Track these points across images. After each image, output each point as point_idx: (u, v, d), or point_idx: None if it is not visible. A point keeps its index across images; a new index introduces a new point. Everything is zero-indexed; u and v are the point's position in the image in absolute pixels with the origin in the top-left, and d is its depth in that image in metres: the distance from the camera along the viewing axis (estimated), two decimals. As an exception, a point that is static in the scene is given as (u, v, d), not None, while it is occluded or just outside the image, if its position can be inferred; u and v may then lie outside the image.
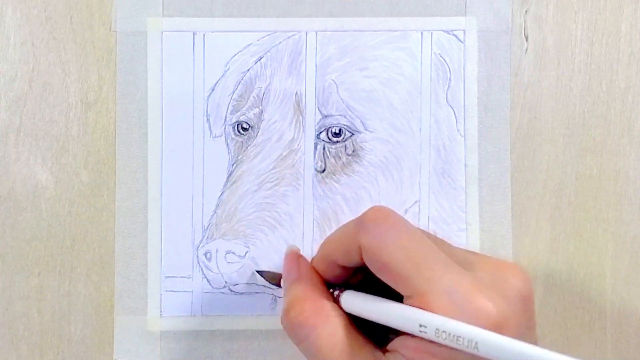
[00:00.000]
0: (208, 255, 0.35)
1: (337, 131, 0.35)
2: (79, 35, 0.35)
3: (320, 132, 0.35)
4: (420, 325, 0.25)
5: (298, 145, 0.35)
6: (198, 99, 0.35)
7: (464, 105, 0.36)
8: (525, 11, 0.36)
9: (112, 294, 0.35)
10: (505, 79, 0.36)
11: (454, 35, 0.36)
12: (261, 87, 0.35)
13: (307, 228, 0.35)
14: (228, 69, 0.35)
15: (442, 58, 0.36)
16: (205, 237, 0.35)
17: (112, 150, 0.35)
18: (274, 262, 0.35)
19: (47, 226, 0.35)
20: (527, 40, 0.36)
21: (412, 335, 0.26)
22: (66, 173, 0.35)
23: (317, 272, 0.30)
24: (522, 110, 0.36)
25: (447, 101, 0.36)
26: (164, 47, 0.35)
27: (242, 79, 0.35)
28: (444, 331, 0.24)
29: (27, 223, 0.35)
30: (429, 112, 0.36)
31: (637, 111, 0.36)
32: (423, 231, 0.30)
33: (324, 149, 0.35)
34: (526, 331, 0.26)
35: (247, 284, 0.35)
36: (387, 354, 0.27)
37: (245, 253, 0.35)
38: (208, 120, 0.35)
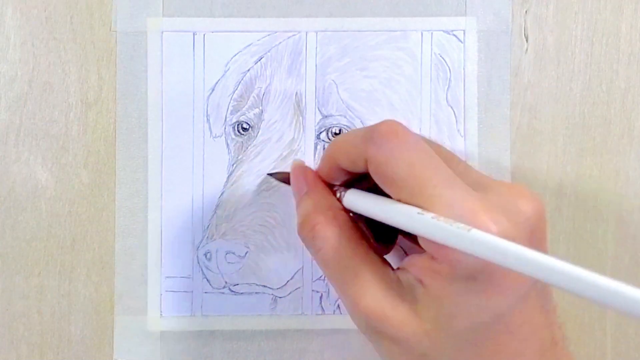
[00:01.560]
0: (208, 255, 0.35)
1: (337, 131, 0.35)
2: (79, 35, 0.35)
3: (320, 133, 0.35)
4: (418, 213, 0.25)
5: (298, 145, 0.35)
6: (198, 99, 0.35)
7: (464, 105, 0.36)
8: (525, 11, 0.36)
9: (112, 294, 0.35)
10: (505, 79, 0.36)
11: (454, 35, 0.36)
12: (261, 87, 0.35)
13: (307, 228, 0.35)
14: (228, 69, 0.35)
15: (442, 58, 0.36)
16: (205, 237, 0.35)
17: (112, 150, 0.35)
18: (274, 262, 0.35)
19: (47, 226, 0.35)
20: (527, 40, 0.36)
21: (420, 253, 0.26)
22: (66, 173, 0.35)
23: (324, 182, 0.31)
24: (522, 110, 0.36)
25: (447, 101, 0.36)
26: (164, 47, 0.35)
27: (242, 79, 0.35)
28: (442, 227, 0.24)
29: (27, 223, 0.35)
30: (429, 112, 0.36)
31: (637, 111, 0.36)
32: (438, 147, 0.29)
33: (324, 149, 0.35)
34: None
35: (247, 284, 0.35)
36: (396, 271, 0.27)
37: (245, 253, 0.35)
38: (208, 120, 0.35)
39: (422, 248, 0.26)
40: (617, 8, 0.36)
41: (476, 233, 0.23)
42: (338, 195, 0.30)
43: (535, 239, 0.25)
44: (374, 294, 0.27)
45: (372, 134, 0.27)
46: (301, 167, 0.32)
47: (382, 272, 0.27)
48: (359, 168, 0.28)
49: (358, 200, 0.28)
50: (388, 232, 0.29)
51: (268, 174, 0.35)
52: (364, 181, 0.29)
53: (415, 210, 0.25)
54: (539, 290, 0.26)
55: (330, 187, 0.30)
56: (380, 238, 0.29)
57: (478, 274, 0.24)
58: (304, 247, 0.30)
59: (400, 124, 0.27)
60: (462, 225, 0.23)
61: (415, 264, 0.26)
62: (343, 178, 0.30)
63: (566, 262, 0.21)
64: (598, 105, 0.36)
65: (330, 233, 0.28)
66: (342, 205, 0.29)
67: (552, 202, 0.36)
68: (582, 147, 0.36)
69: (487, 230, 0.23)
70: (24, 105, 0.35)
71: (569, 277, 0.21)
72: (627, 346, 0.35)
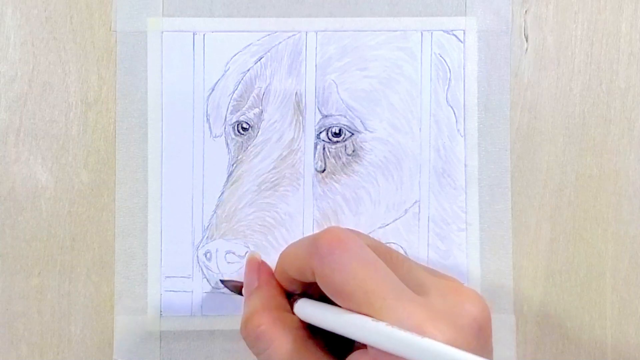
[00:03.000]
0: (208, 255, 0.35)
1: (337, 131, 0.35)
2: (79, 35, 0.35)
3: (320, 132, 0.35)
4: (372, 321, 0.25)
5: (298, 145, 0.35)
6: (198, 99, 0.35)
7: (464, 105, 0.36)
8: (525, 11, 0.36)
9: (112, 294, 0.35)
10: (505, 79, 0.36)
11: (454, 35, 0.36)
12: (261, 87, 0.35)
13: (307, 228, 0.35)
14: (228, 69, 0.35)
15: (442, 58, 0.36)
16: (205, 237, 0.35)
17: (112, 150, 0.35)
18: (274, 262, 0.35)
19: (47, 226, 0.35)
20: (527, 40, 0.36)
21: (365, 350, 0.25)
22: (66, 173, 0.35)
23: (277, 281, 0.30)
24: (522, 110, 0.36)
25: (447, 101, 0.36)
26: (164, 47, 0.35)
27: (242, 79, 0.35)
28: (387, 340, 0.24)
29: (27, 223, 0.35)
30: (429, 112, 0.36)
31: (637, 111, 0.36)
32: (383, 250, 0.29)
33: (324, 149, 0.35)
34: (483, 353, 0.25)
35: (247, 284, 0.35)
36: None
37: (245, 253, 0.35)
38: (208, 120, 0.35)
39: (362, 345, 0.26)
40: (617, 8, 0.36)
41: (427, 342, 0.23)
42: (291, 303, 0.29)
43: (482, 337, 0.26)
44: None
45: (315, 244, 0.26)
46: (256, 262, 0.32)
47: None
48: (308, 279, 0.28)
49: (308, 310, 0.28)
50: (340, 340, 0.29)
51: (220, 280, 0.35)
52: (314, 289, 0.29)
53: (367, 319, 0.25)
54: None
55: (287, 295, 0.30)
56: (331, 345, 0.29)
57: None
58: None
59: (343, 231, 0.27)
60: (414, 334, 0.24)
61: None
62: (298, 286, 0.30)
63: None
64: (598, 105, 0.36)
65: (276, 335, 0.27)
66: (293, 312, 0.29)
67: (552, 202, 0.36)
68: (582, 147, 0.36)
69: (434, 340, 0.24)
70: (24, 105, 0.35)
71: None
72: (627, 346, 0.35)
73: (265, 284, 0.30)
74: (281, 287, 0.30)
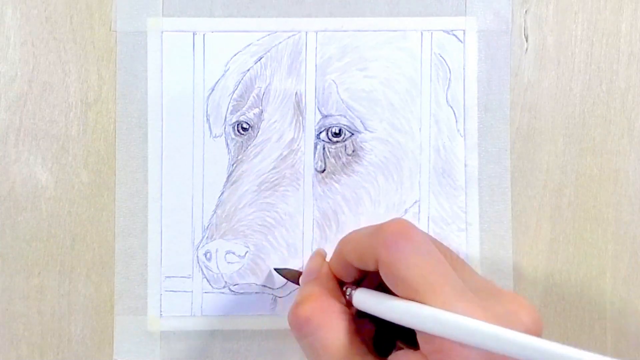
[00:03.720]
0: (208, 255, 0.35)
1: (337, 131, 0.35)
2: (79, 35, 0.35)
3: (320, 132, 0.35)
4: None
5: (298, 145, 0.35)
6: (198, 99, 0.35)
7: (464, 105, 0.36)
8: (525, 11, 0.36)
9: (112, 294, 0.35)
10: (505, 79, 0.36)
11: (454, 35, 0.36)
12: (261, 87, 0.35)
13: (307, 228, 0.35)
14: (228, 69, 0.35)
15: (442, 58, 0.36)
16: (205, 237, 0.35)
17: (112, 150, 0.35)
18: (274, 262, 0.35)
19: (47, 226, 0.35)
20: (527, 40, 0.36)
21: (413, 351, 0.26)
22: (66, 173, 0.35)
23: (334, 276, 0.30)
24: (522, 110, 0.36)
25: (447, 101, 0.36)
26: (164, 47, 0.35)
27: (242, 79, 0.35)
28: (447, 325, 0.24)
29: (27, 223, 0.35)
30: (429, 112, 0.36)
31: (637, 111, 0.36)
32: (445, 250, 0.29)
33: (324, 149, 0.35)
34: None
35: (247, 284, 0.35)
36: None
37: (245, 253, 0.35)
38: (208, 120, 0.35)
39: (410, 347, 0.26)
40: (617, 8, 0.36)
41: (497, 329, 0.24)
42: (348, 293, 0.29)
43: None
44: None
45: (382, 233, 0.27)
46: (322, 256, 0.32)
47: None
48: (369, 267, 0.28)
49: (367, 298, 0.28)
50: (388, 340, 0.29)
51: (275, 269, 0.35)
52: (374, 279, 0.29)
53: (430, 307, 0.25)
54: None
55: (340, 285, 0.30)
56: (378, 346, 0.29)
57: None
58: (297, 329, 0.29)
59: (409, 223, 0.27)
60: (480, 321, 0.24)
61: None
62: (354, 275, 0.30)
63: (571, 347, 0.23)
64: (598, 105, 0.36)
65: (325, 322, 0.28)
66: (352, 303, 0.29)
67: (552, 202, 0.36)
68: (582, 147, 0.36)
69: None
70: (24, 105, 0.35)
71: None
72: (627, 346, 0.35)
73: (324, 276, 0.30)
74: (337, 281, 0.30)
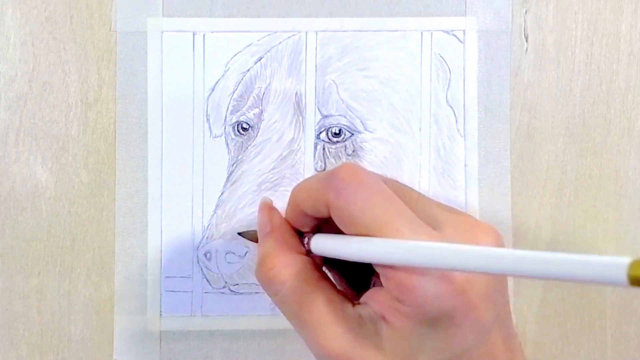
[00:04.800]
0: (208, 255, 0.35)
1: (337, 131, 0.35)
2: (79, 35, 0.35)
3: (320, 132, 0.35)
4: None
5: (298, 145, 0.35)
6: (198, 99, 0.35)
7: (464, 105, 0.36)
8: (525, 11, 0.36)
9: (112, 294, 0.35)
10: (505, 79, 0.36)
11: (454, 35, 0.36)
12: (261, 87, 0.35)
13: (307, 228, 0.35)
14: (228, 69, 0.35)
15: (442, 58, 0.36)
16: (205, 237, 0.35)
17: (112, 150, 0.35)
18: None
19: (47, 226, 0.35)
20: (527, 40, 0.36)
21: (381, 288, 0.26)
22: (66, 173, 0.35)
23: (289, 224, 0.30)
24: (522, 110, 0.36)
25: (447, 101, 0.36)
26: (164, 47, 0.35)
27: (242, 79, 0.35)
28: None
29: (27, 223, 0.35)
30: (429, 112, 0.36)
31: (637, 111, 0.36)
32: (396, 184, 0.30)
33: (324, 149, 0.35)
34: (494, 292, 0.26)
35: (247, 284, 0.35)
36: (356, 306, 0.27)
37: (245, 253, 0.35)
38: (208, 120, 0.35)
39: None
40: (617, 8, 0.36)
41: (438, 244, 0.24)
42: (305, 241, 0.30)
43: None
44: (336, 334, 0.27)
45: (331, 178, 0.27)
46: (268, 206, 0.31)
47: (342, 310, 0.27)
48: (321, 213, 0.28)
49: (324, 242, 0.28)
50: (355, 279, 0.29)
51: (238, 233, 0.35)
52: (331, 227, 0.29)
53: (377, 238, 0.25)
54: (501, 322, 0.27)
55: (299, 234, 0.30)
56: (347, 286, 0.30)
57: (442, 315, 0.25)
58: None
59: (357, 167, 0.27)
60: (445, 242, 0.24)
61: (377, 299, 0.26)
62: (310, 224, 0.30)
63: (527, 251, 0.22)
64: (598, 105, 0.36)
65: (289, 274, 0.28)
66: (309, 250, 0.29)
67: (552, 202, 0.36)
68: (582, 147, 0.36)
69: (448, 274, 0.25)
70: (24, 105, 0.35)
71: (535, 263, 0.22)
72: (627, 346, 0.35)
73: (278, 227, 0.30)
74: (293, 229, 0.30)
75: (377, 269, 0.26)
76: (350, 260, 0.27)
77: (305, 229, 0.30)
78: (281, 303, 0.28)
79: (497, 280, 0.26)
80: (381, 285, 0.26)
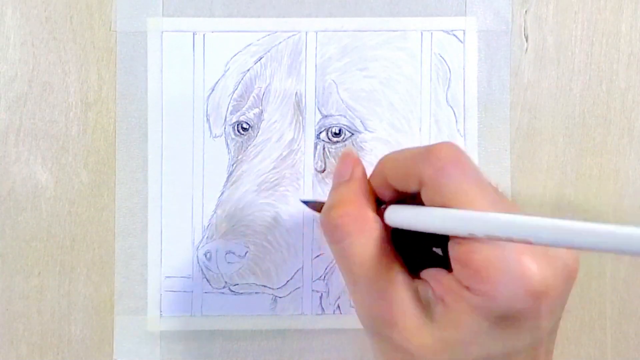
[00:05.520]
0: (208, 255, 0.35)
1: (337, 131, 0.35)
2: (79, 35, 0.35)
3: (320, 132, 0.35)
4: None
5: (298, 145, 0.35)
6: (198, 99, 0.35)
7: (464, 105, 0.36)
8: (525, 11, 0.36)
9: (112, 294, 0.35)
10: (505, 79, 0.36)
11: (454, 35, 0.36)
12: (261, 87, 0.35)
13: (307, 228, 0.35)
14: (228, 69, 0.35)
15: (442, 58, 0.36)
16: (205, 237, 0.35)
17: (112, 150, 0.35)
18: (274, 262, 0.35)
19: (47, 226, 0.35)
20: (527, 40, 0.36)
21: (447, 271, 0.25)
22: (66, 173, 0.35)
23: (370, 183, 0.29)
24: (522, 110, 0.36)
25: (447, 101, 0.36)
26: (164, 47, 0.35)
27: (242, 79, 0.35)
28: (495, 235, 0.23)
29: (27, 223, 0.35)
30: (429, 112, 0.36)
31: (637, 111, 0.36)
32: (494, 187, 0.29)
33: (324, 149, 0.35)
34: (560, 304, 0.26)
35: (247, 284, 0.35)
36: (416, 280, 0.27)
37: (245, 253, 0.35)
38: (208, 120, 0.35)
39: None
40: (617, 8, 0.36)
41: (537, 238, 0.22)
42: (382, 209, 0.28)
43: (569, 285, 0.26)
44: (388, 297, 0.26)
45: (429, 155, 0.26)
46: (352, 156, 0.30)
47: (400, 277, 0.27)
48: (410, 188, 0.27)
49: (402, 212, 0.27)
50: (419, 263, 0.28)
51: (302, 201, 0.34)
52: (408, 203, 0.28)
53: (465, 210, 0.24)
54: (549, 335, 0.27)
55: (378, 204, 0.29)
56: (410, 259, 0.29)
57: (509, 314, 0.24)
58: (320, 236, 0.28)
59: (459, 148, 0.26)
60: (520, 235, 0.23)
61: (440, 280, 0.26)
62: (389, 197, 0.28)
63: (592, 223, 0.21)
64: (598, 105, 0.36)
65: (358, 228, 0.27)
66: (383, 221, 0.28)
67: (552, 202, 0.36)
68: (582, 147, 0.36)
69: (528, 271, 0.24)
70: (24, 105, 0.35)
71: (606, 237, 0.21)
72: (627, 346, 0.35)
73: (358, 179, 0.29)
74: (373, 190, 0.29)
75: (453, 252, 0.25)
76: (430, 231, 0.25)
77: (385, 199, 0.29)
78: (340, 253, 0.27)
79: (566, 292, 0.26)
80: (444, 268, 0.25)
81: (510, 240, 0.23)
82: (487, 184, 0.26)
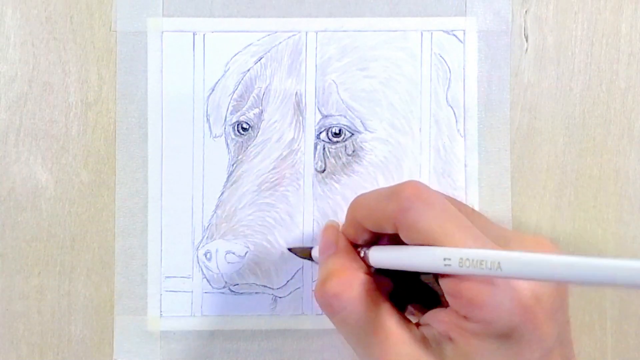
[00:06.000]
0: (208, 255, 0.35)
1: (337, 131, 0.35)
2: (79, 35, 0.35)
3: (320, 132, 0.35)
4: (445, 259, 0.25)
5: (298, 145, 0.35)
6: (198, 99, 0.35)
7: (464, 105, 0.36)
8: (525, 11, 0.36)
9: (112, 294, 0.35)
10: (505, 79, 0.36)
11: (454, 35, 0.36)
12: (261, 87, 0.35)
13: (307, 228, 0.35)
14: (228, 69, 0.35)
15: (442, 58, 0.36)
16: (205, 237, 0.35)
17: (112, 150, 0.35)
18: (274, 262, 0.35)
19: (47, 226, 0.35)
20: (527, 40, 0.36)
21: (444, 308, 0.26)
22: (66, 173, 0.35)
23: (351, 245, 0.31)
24: (522, 110, 0.36)
25: (447, 101, 0.36)
26: (164, 47, 0.35)
27: (242, 79, 0.35)
28: (467, 259, 0.24)
29: (27, 223, 0.35)
30: (429, 112, 0.36)
31: (637, 111, 0.36)
32: (459, 204, 0.30)
33: (324, 149, 0.35)
34: (558, 310, 0.26)
35: (247, 284, 0.35)
36: (420, 327, 0.28)
37: (245, 253, 0.35)
38: (208, 120, 0.35)
39: (443, 304, 0.27)
40: (617, 8, 0.36)
41: (506, 266, 0.23)
42: (362, 254, 0.30)
43: (560, 291, 0.26)
44: (402, 353, 0.27)
45: (397, 197, 0.27)
46: (334, 228, 0.32)
47: (407, 330, 0.28)
48: (384, 229, 0.28)
49: (385, 253, 0.28)
50: (411, 293, 0.30)
51: (288, 249, 0.35)
52: (384, 241, 0.29)
53: (441, 255, 0.25)
54: (561, 340, 0.27)
55: (354, 247, 0.31)
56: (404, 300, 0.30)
57: (510, 331, 0.25)
58: (319, 306, 0.29)
59: (422, 185, 0.27)
60: (490, 262, 0.24)
61: (441, 319, 0.27)
62: (367, 238, 0.30)
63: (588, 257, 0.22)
64: (598, 105, 0.36)
65: (354, 294, 0.28)
66: (368, 263, 0.29)
67: (552, 202, 0.36)
68: (582, 147, 0.36)
69: (517, 285, 0.25)
70: (24, 105, 0.35)
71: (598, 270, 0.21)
72: (627, 346, 0.35)
73: (343, 249, 0.30)
74: (356, 251, 0.30)
75: (444, 286, 0.26)
76: (416, 270, 0.27)
77: (361, 243, 0.30)
78: (342, 323, 0.28)
79: (560, 298, 0.26)
80: (437, 306, 0.27)
81: (479, 270, 0.24)
82: (456, 213, 0.27)
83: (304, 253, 0.34)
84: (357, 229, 0.30)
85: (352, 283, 0.28)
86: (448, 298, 0.26)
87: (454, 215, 0.27)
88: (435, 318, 0.27)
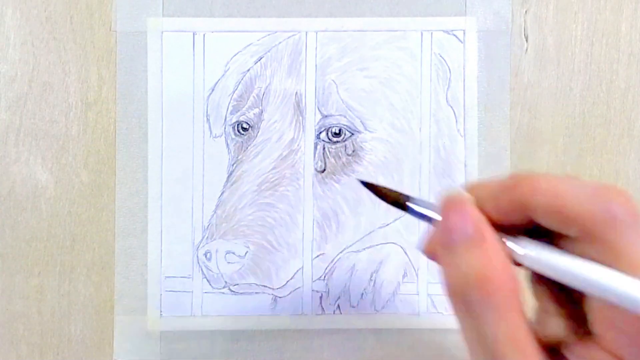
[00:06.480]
0: (208, 255, 0.35)
1: (337, 131, 0.35)
2: (79, 35, 0.35)
3: (320, 132, 0.35)
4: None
5: (298, 145, 0.35)
6: (198, 99, 0.35)
7: (464, 105, 0.36)
8: (525, 11, 0.36)
9: (112, 294, 0.35)
10: (505, 79, 0.36)
11: (454, 35, 0.36)
12: (261, 87, 0.35)
13: (307, 228, 0.35)
14: (228, 69, 0.35)
15: (442, 58, 0.36)
16: (205, 237, 0.35)
17: (112, 150, 0.35)
18: (274, 262, 0.35)
19: (47, 226, 0.35)
20: (527, 40, 0.36)
21: (590, 343, 0.22)
22: (66, 173, 0.35)
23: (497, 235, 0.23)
24: (522, 110, 0.36)
25: (447, 101, 0.36)
26: (164, 47, 0.35)
27: (242, 79, 0.35)
28: None
29: (27, 223, 0.35)
30: (429, 112, 0.36)
31: (637, 111, 0.36)
32: None
33: (324, 149, 0.35)
34: None
35: (247, 284, 0.35)
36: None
37: (245, 253, 0.35)
38: (208, 120, 0.35)
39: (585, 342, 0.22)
40: (617, 8, 0.36)
41: None
42: (509, 246, 0.23)
43: None
44: None
45: (608, 211, 0.21)
46: (462, 201, 0.23)
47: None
48: (566, 231, 0.22)
49: (548, 256, 0.22)
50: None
51: (361, 182, 0.27)
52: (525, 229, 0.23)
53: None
54: None
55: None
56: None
57: None
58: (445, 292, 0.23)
59: (637, 205, 0.21)
60: None
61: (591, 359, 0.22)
62: (515, 221, 0.23)
63: None
64: (598, 105, 0.36)
65: (510, 306, 0.21)
66: (516, 262, 0.23)
67: (552, 202, 0.36)
68: (582, 147, 0.36)
69: None
70: (24, 105, 0.35)
71: None
72: (627, 346, 0.35)
73: (489, 237, 0.22)
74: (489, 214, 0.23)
75: (600, 315, 0.21)
76: (591, 293, 0.21)
77: (504, 221, 0.23)
78: (483, 331, 0.22)
79: None
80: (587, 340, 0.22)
81: None
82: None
83: (391, 196, 0.25)
84: (512, 208, 0.22)
85: (504, 296, 0.22)
86: (600, 327, 0.21)
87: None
88: (582, 356, 0.22)
